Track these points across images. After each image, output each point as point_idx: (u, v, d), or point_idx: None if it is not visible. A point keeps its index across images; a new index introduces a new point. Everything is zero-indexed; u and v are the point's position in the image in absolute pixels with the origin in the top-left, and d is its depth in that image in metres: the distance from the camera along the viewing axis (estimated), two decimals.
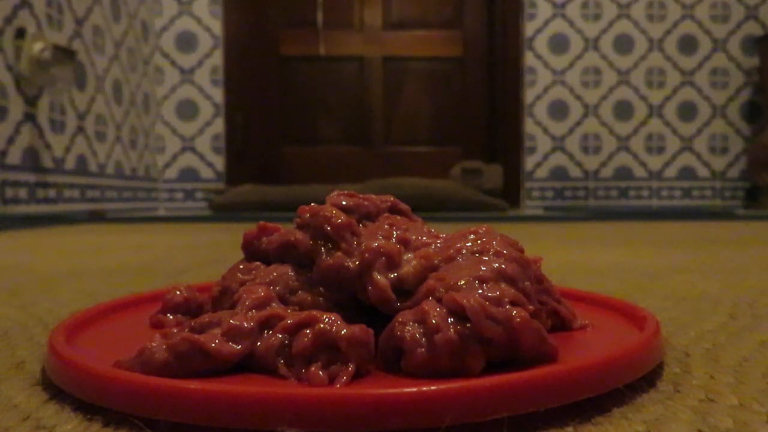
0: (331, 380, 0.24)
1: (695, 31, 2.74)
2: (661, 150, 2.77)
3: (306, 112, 2.77)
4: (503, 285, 0.27)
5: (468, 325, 0.25)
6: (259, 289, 0.29)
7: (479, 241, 0.30)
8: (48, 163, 1.79)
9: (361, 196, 0.34)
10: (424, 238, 0.31)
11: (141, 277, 0.66)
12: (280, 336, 0.26)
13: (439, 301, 0.26)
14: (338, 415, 0.21)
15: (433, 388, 0.21)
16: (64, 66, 1.76)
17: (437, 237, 0.31)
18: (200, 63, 2.63)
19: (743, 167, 2.77)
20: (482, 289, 0.26)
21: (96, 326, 0.34)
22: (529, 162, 2.73)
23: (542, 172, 2.74)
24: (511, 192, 2.68)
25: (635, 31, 2.72)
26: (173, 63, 2.62)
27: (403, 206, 0.35)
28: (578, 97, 2.72)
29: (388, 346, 0.26)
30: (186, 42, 2.62)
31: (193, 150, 2.65)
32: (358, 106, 2.78)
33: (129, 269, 0.73)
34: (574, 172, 2.75)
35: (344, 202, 0.32)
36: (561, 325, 0.32)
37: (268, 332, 0.26)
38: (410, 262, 0.29)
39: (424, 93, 2.79)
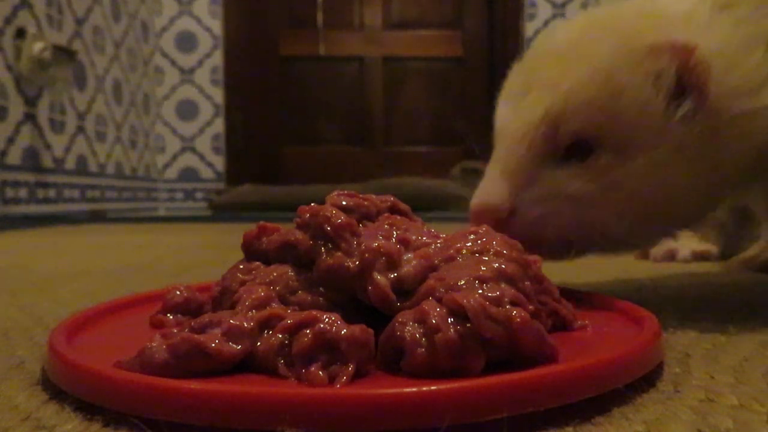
0: (331, 380, 0.24)
1: None
2: None
3: (306, 112, 2.76)
4: (503, 285, 0.27)
5: (468, 325, 0.25)
6: (259, 289, 0.29)
7: (479, 241, 0.30)
8: (48, 163, 1.79)
9: (361, 196, 0.34)
10: (424, 238, 0.31)
11: (141, 277, 0.66)
12: (280, 336, 0.26)
13: (439, 301, 0.26)
14: (338, 415, 0.21)
15: (433, 388, 0.21)
16: (64, 66, 1.76)
17: (437, 237, 0.31)
18: (200, 63, 2.63)
19: None
20: (482, 289, 0.26)
21: (96, 326, 0.34)
22: None
23: None
24: None
25: None
26: (173, 63, 2.62)
27: (403, 206, 0.35)
28: None
29: (388, 346, 0.26)
30: (186, 42, 2.62)
31: (193, 150, 2.65)
32: (358, 106, 2.78)
33: (129, 269, 0.73)
34: None
35: (344, 202, 0.32)
36: (561, 325, 0.32)
37: (268, 332, 0.26)
38: (410, 262, 0.29)
39: (424, 93, 2.79)
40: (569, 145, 0.40)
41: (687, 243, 0.77)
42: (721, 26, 0.39)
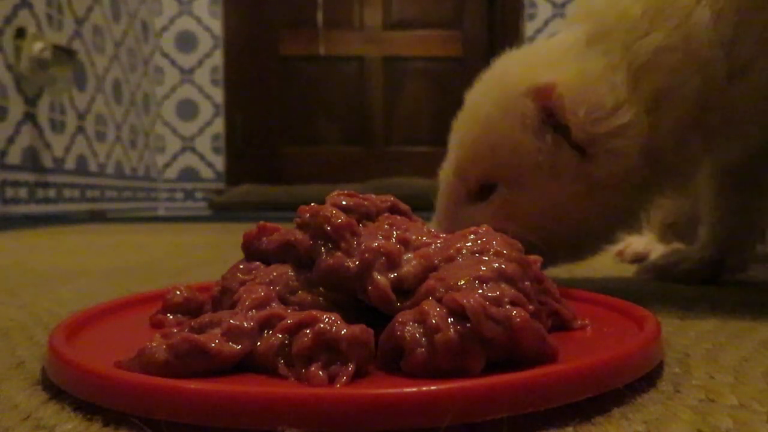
0: (331, 380, 0.24)
1: None
2: None
3: (306, 112, 2.76)
4: (503, 285, 0.27)
5: (468, 325, 0.25)
6: (259, 289, 0.29)
7: (479, 241, 0.30)
8: (48, 163, 1.79)
9: (361, 196, 0.34)
10: (424, 238, 0.31)
11: (141, 277, 0.66)
12: (280, 336, 0.26)
13: (439, 301, 0.26)
14: (338, 415, 0.21)
15: (433, 388, 0.21)
16: (64, 66, 1.76)
17: (437, 237, 0.31)
18: (200, 63, 2.63)
19: None
20: (482, 289, 0.26)
21: (96, 326, 0.34)
22: None
23: None
24: None
25: None
26: (173, 63, 2.62)
27: (403, 206, 0.35)
28: None
29: (388, 346, 0.26)
30: (186, 42, 2.62)
31: (193, 150, 2.65)
32: (358, 106, 2.78)
33: (129, 269, 0.73)
34: None
35: (344, 202, 0.32)
36: (561, 325, 0.32)
37: (268, 332, 0.26)
38: (410, 262, 0.29)
39: (424, 93, 2.79)
40: (479, 188, 0.47)
41: (653, 245, 0.76)
42: (587, 59, 0.45)
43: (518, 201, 0.46)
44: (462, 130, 0.49)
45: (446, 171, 0.50)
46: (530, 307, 0.27)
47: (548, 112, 0.44)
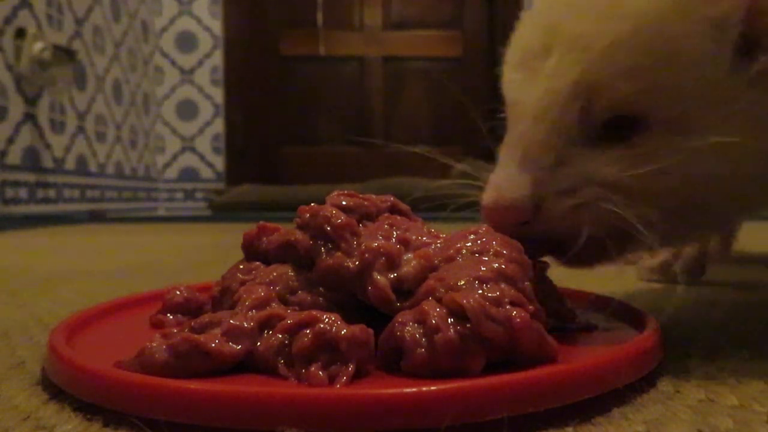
0: (331, 380, 0.24)
1: None
2: None
3: (306, 112, 2.76)
4: (503, 285, 0.27)
5: (468, 325, 0.25)
6: (259, 289, 0.29)
7: (479, 241, 0.30)
8: (48, 163, 1.79)
9: (361, 196, 0.34)
10: (424, 238, 0.31)
11: (141, 277, 0.66)
12: (280, 336, 0.26)
13: (439, 301, 0.26)
14: (338, 415, 0.21)
15: (433, 388, 0.21)
16: (64, 66, 1.76)
17: (437, 237, 0.31)
18: (200, 63, 2.62)
19: None
20: (482, 290, 0.26)
21: (96, 326, 0.34)
22: None
23: None
24: None
25: None
26: (173, 63, 2.62)
27: (403, 206, 0.35)
28: None
29: (388, 346, 0.26)
30: (186, 42, 2.62)
31: (193, 150, 2.65)
32: (358, 106, 2.78)
33: (129, 269, 0.73)
34: None
35: (344, 202, 0.32)
36: (561, 325, 0.32)
37: (268, 332, 0.26)
38: (410, 262, 0.29)
39: (424, 93, 2.79)
40: (607, 120, 0.30)
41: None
42: None
43: (683, 149, 0.29)
44: (588, 22, 0.30)
45: (540, 83, 0.31)
46: (530, 307, 0.27)
47: (757, 34, 0.29)
